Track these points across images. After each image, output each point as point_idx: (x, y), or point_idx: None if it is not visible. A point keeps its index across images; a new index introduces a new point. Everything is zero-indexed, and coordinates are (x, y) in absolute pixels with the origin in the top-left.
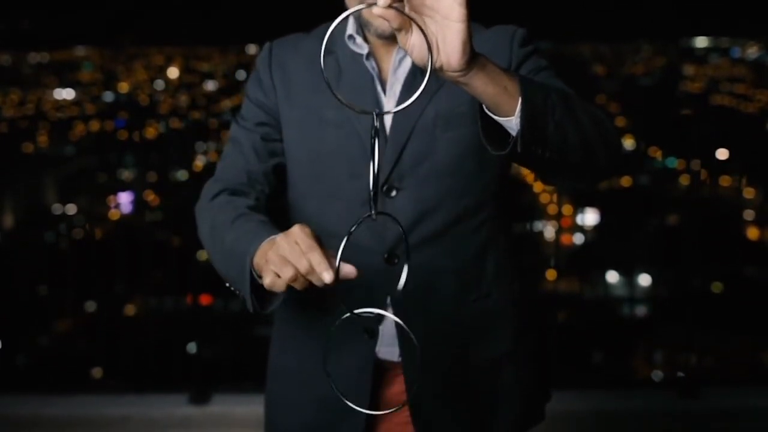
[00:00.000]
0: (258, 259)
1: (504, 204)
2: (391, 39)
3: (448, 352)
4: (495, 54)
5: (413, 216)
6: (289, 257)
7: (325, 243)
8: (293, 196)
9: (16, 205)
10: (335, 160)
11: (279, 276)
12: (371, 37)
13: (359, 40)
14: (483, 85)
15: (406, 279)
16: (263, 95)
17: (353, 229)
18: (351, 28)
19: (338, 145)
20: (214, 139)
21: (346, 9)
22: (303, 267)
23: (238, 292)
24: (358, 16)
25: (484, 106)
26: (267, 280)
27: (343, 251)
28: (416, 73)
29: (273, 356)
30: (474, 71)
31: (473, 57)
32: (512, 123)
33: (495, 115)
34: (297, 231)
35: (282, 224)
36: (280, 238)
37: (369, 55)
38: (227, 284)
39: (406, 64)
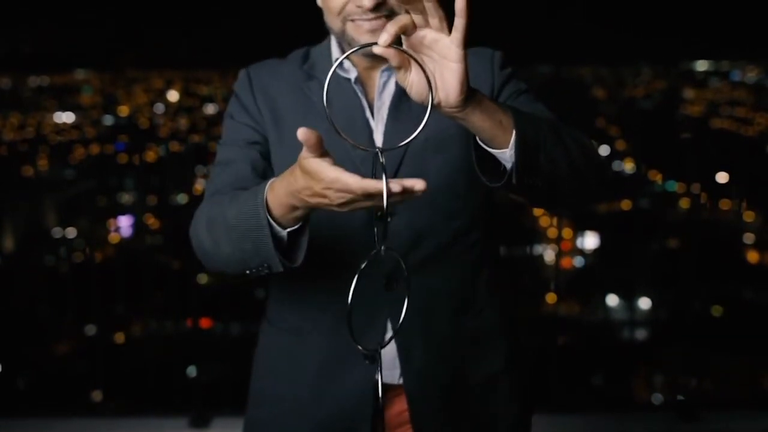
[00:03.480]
0: (274, 199)
1: (492, 223)
2: (376, 59)
3: (447, 370)
4: (478, 76)
5: (409, 240)
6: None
7: (324, 272)
8: None
9: (16, 229)
10: None
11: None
12: (357, 59)
13: (347, 64)
14: (479, 120)
15: (405, 303)
16: (250, 119)
17: (363, 266)
18: (336, 52)
19: None
20: (213, 162)
21: (330, 29)
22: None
23: (256, 271)
24: (342, 35)
25: (477, 138)
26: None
27: (343, 276)
28: (401, 96)
29: (259, 385)
30: (470, 108)
31: (470, 94)
32: (506, 155)
33: (489, 147)
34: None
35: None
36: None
37: (356, 79)
38: (246, 271)
39: (390, 88)
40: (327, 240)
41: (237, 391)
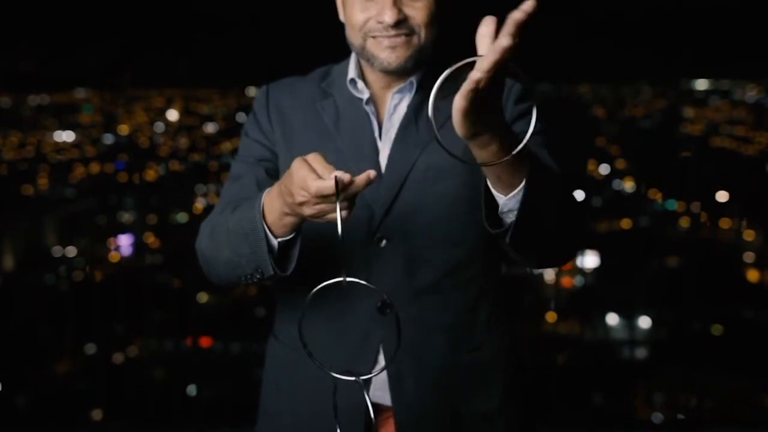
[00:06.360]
0: (269, 204)
1: (496, 257)
2: (394, 74)
3: (440, 403)
4: None
5: (403, 266)
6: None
7: (322, 291)
8: None
9: (16, 248)
10: None
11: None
12: (372, 78)
13: (361, 84)
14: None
15: (399, 331)
16: (263, 137)
17: (317, 289)
18: (353, 72)
19: None
20: (214, 181)
21: (349, 49)
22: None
23: (250, 276)
24: (362, 50)
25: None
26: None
27: (340, 297)
28: (411, 120)
29: (265, 398)
30: (474, 145)
31: (473, 135)
32: (504, 200)
33: (495, 185)
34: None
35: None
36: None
37: (369, 99)
38: (241, 277)
39: (401, 110)
40: (319, 259)
41: (237, 410)
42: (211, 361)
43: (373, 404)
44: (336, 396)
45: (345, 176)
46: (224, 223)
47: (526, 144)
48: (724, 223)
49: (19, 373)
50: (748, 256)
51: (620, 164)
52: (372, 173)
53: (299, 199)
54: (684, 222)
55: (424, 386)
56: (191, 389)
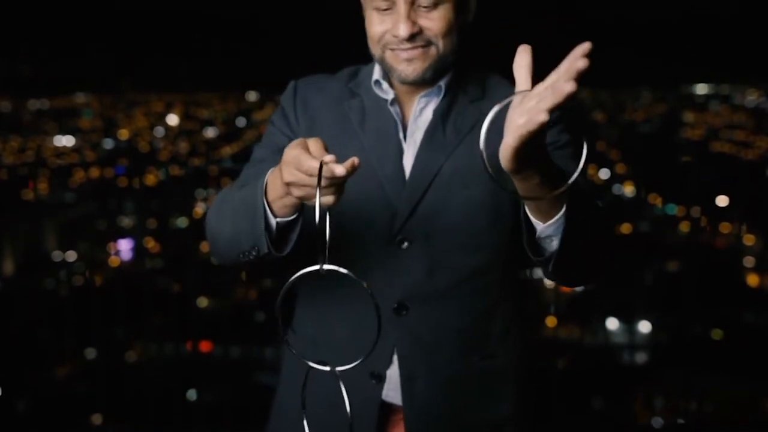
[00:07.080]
0: (272, 181)
1: (515, 267)
2: (414, 85)
3: (450, 408)
4: None
5: (423, 269)
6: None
7: (339, 285)
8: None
9: (16, 252)
10: (354, 203)
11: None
12: (396, 83)
13: (385, 85)
14: (523, 192)
15: (413, 332)
16: (288, 129)
17: (294, 277)
18: (377, 73)
19: (358, 190)
20: (214, 185)
21: (369, 52)
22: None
23: (247, 253)
24: (381, 61)
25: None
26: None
27: (356, 293)
28: (437, 125)
29: (280, 393)
30: (517, 178)
31: (517, 170)
32: (541, 227)
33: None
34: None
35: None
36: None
37: (393, 100)
38: (240, 254)
39: (427, 114)
40: (345, 255)
41: (237, 414)
42: (210, 366)
43: (386, 404)
44: (305, 390)
45: (332, 163)
46: (231, 200)
47: (567, 175)
48: (724, 227)
49: (19, 378)
50: (748, 261)
51: (620, 169)
52: (356, 160)
53: (287, 177)
54: (684, 226)
55: (435, 389)
56: (191, 393)
